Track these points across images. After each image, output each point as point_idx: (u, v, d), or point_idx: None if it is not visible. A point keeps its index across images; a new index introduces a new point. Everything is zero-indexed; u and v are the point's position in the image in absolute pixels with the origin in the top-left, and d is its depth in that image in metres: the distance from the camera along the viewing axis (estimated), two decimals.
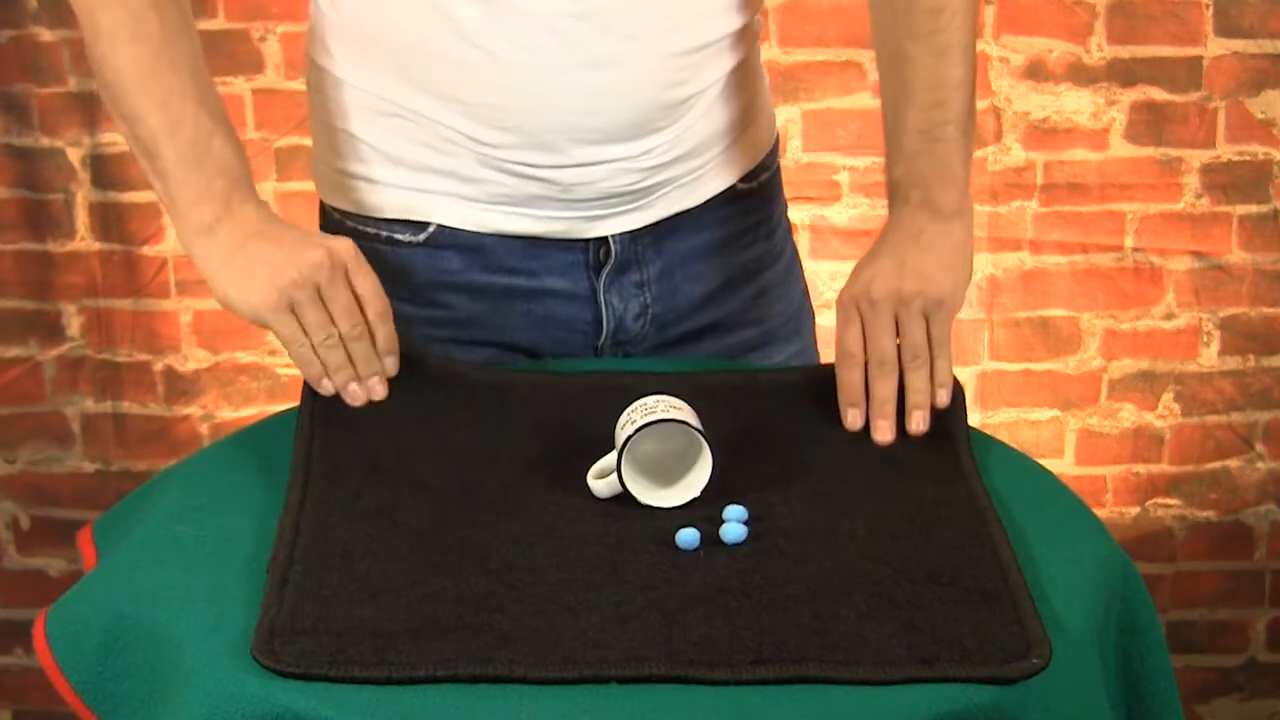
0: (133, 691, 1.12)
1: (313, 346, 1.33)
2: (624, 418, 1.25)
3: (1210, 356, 2.47)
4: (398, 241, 1.47)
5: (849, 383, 1.36)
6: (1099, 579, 1.18)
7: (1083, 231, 2.42)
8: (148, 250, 2.39)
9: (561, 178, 1.42)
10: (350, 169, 1.48)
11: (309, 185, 2.37)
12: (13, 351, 2.44)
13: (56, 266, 2.40)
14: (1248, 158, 2.39)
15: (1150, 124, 2.38)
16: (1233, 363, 2.47)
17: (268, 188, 2.37)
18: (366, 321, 1.34)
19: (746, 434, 1.34)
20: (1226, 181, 2.40)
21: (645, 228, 1.49)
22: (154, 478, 1.35)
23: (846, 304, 1.38)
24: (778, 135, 1.60)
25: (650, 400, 1.26)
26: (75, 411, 2.46)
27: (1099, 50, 2.35)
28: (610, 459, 1.24)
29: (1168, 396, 2.48)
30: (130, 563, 1.18)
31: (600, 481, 1.24)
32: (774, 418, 1.38)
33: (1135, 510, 2.53)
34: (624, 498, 1.23)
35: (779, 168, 1.60)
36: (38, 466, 2.49)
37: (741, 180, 1.53)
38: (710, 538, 1.18)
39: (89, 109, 2.33)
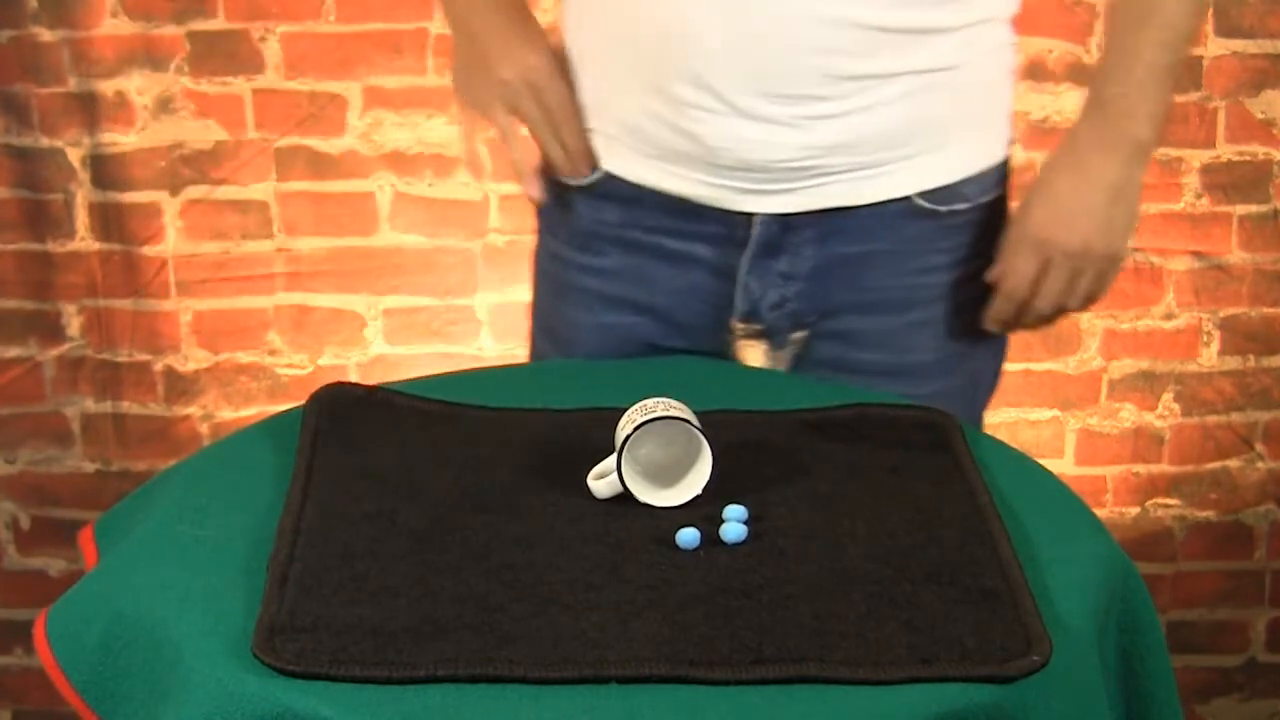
0: (133, 691, 1.12)
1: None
2: (624, 418, 1.25)
3: (1210, 356, 2.47)
4: (567, 185, 1.52)
5: (1004, 312, 1.44)
6: (1099, 579, 1.18)
7: None
8: (148, 250, 2.39)
9: (709, 137, 1.40)
10: None
11: (309, 185, 2.37)
12: (13, 351, 2.44)
13: (56, 266, 2.40)
14: (1248, 158, 2.39)
15: None
16: (1233, 363, 2.47)
17: (268, 188, 2.37)
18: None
19: (747, 434, 1.34)
20: (1226, 181, 2.40)
21: (807, 218, 1.44)
22: (154, 478, 1.35)
23: (1038, 241, 1.40)
24: (1005, 172, 1.50)
25: (650, 400, 1.26)
26: (75, 411, 2.46)
27: (1099, 50, 2.35)
28: (610, 461, 1.24)
29: (1168, 396, 2.48)
30: (130, 562, 1.18)
31: (600, 482, 1.24)
32: (775, 425, 1.38)
33: (1135, 510, 2.52)
34: (624, 498, 1.23)
35: (999, 206, 1.49)
36: (38, 466, 2.49)
37: (923, 197, 1.45)
38: (710, 538, 1.19)
39: (89, 109, 2.33)
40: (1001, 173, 1.50)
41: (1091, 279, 1.42)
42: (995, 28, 1.45)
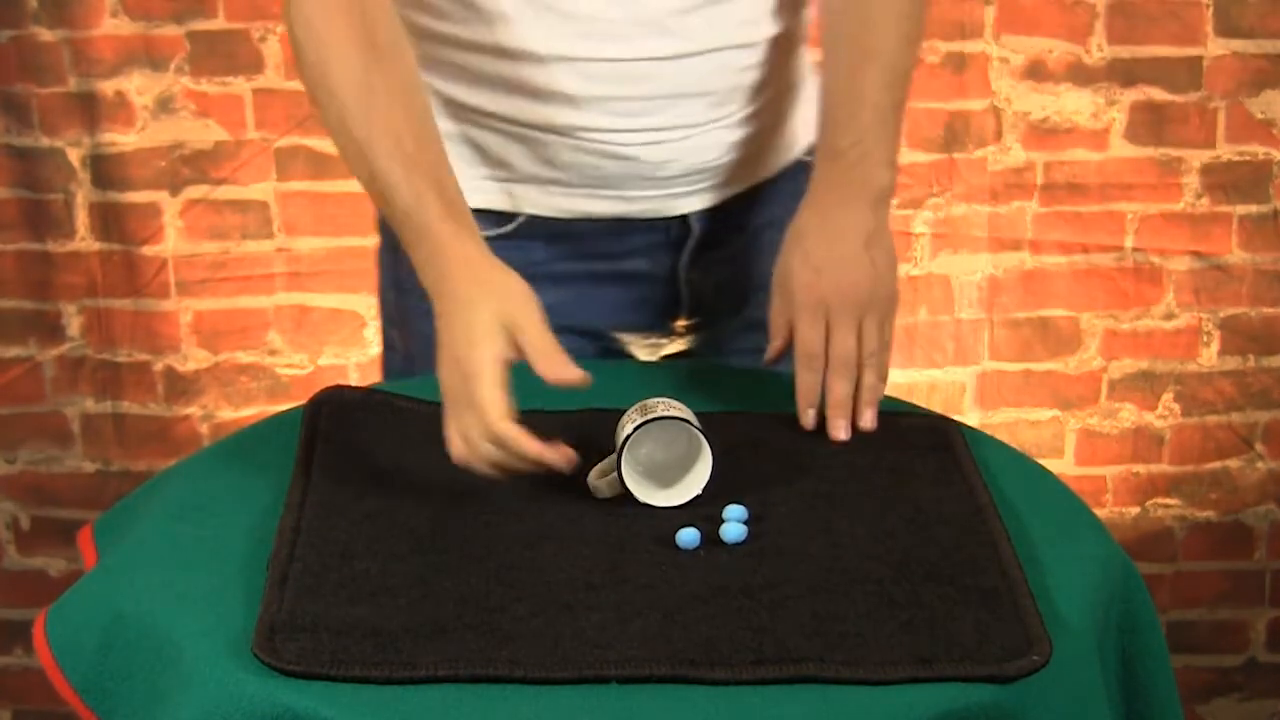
0: (132, 691, 1.12)
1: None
2: (624, 418, 1.25)
3: (1210, 356, 2.47)
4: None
5: (812, 386, 1.36)
6: (1099, 579, 1.18)
7: (1083, 231, 2.42)
8: (148, 250, 2.39)
9: (655, 154, 1.43)
10: None
11: (309, 185, 2.37)
12: (13, 351, 2.44)
13: (56, 266, 2.40)
14: (1248, 158, 2.39)
15: (1150, 124, 2.38)
16: (1233, 363, 2.47)
17: (268, 188, 2.37)
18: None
19: (746, 434, 1.34)
20: (1226, 181, 2.40)
21: (726, 203, 1.50)
22: (154, 478, 1.35)
23: (813, 305, 1.36)
24: None
25: (650, 400, 1.26)
26: (75, 411, 2.46)
27: (1099, 50, 2.35)
28: (610, 460, 1.24)
29: (1168, 396, 2.48)
30: (130, 563, 1.18)
31: (601, 481, 1.24)
32: (775, 425, 1.38)
33: (1135, 510, 2.52)
34: (624, 498, 1.23)
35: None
36: (38, 466, 2.49)
37: (807, 152, 1.54)
38: (710, 538, 1.19)
39: (89, 109, 2.33)
40: None
41: (875, 323, 1.37)
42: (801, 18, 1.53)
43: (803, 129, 1.55)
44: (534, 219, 1.47)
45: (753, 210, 1.53)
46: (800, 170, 1.55)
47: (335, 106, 1.31)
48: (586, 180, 1.45)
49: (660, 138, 1.43)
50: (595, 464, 1.26)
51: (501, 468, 1.23)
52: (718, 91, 1.44)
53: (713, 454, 1.23)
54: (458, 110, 1.45)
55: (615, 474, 1.22)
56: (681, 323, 1.55)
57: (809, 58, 1.54)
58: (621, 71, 1.40)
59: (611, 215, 1.47)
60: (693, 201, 1.49)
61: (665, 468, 1.26)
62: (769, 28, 1.46)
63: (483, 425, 1.21)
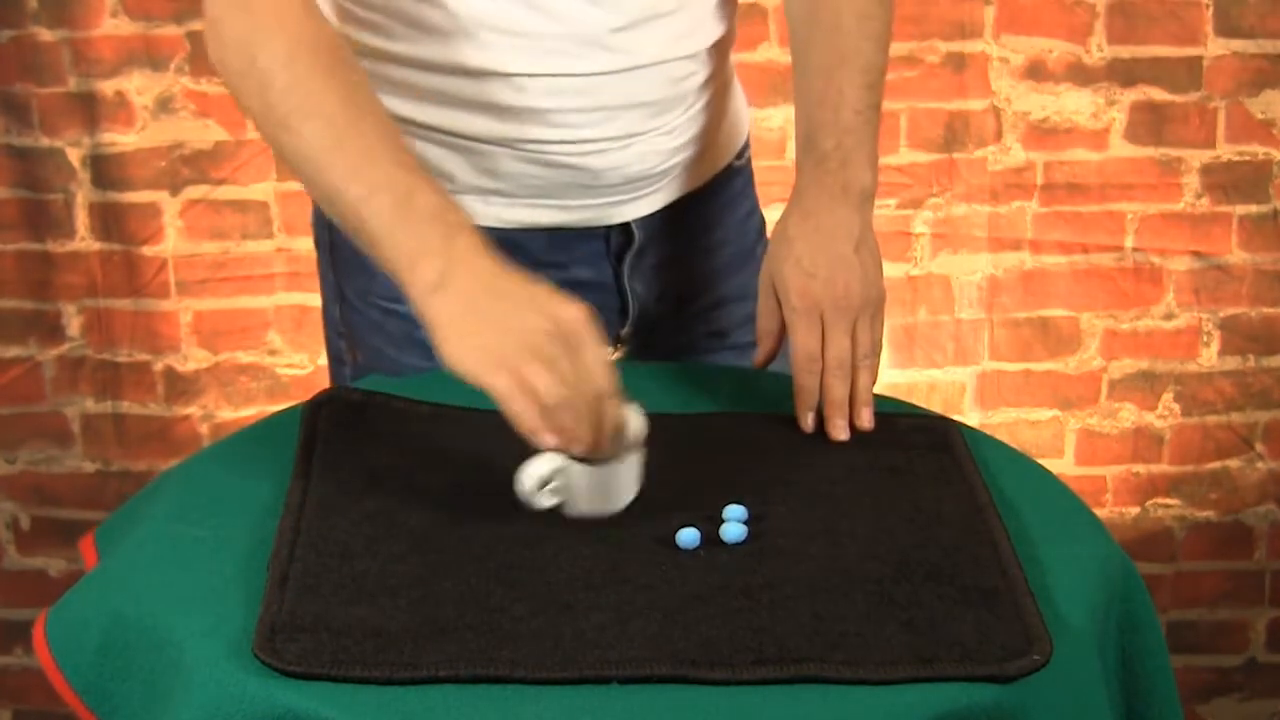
0: (132, 692, 1.12)
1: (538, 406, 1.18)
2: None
3: (1210, 356, 2.47)
4: None
5: (812, 390, 1.36)
6: (1099, 579, 1.18)
7: (1083, 231, 2.42)
8: (148, 250, 2.39)
9: (598, 163, 1.45)
10: None
11: None
12: (13, 351, 2.44)
13: (56, 266, 2.40)
14: (1248, 158, 2.39)
15: (1150, 124, 2.38)
16: (1233, 363, 2.47)
17: (268, 188, 2.37)
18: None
19: (746, 434, 1.34)
20: (1226, 181, 2.40)
21: (666, 210, 1.52)
22: (154, 480, 1.35)
23: (808, 309, 1.36)
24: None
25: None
26: (75, 411, 2.46)
27: (1099, 50, 2.35)
28: (543, 462, 1.19)
29: (1168, 396, 2.48)
30: (130, 563, 1.18)
31: (541, 493, 1.20)
32: (775, 425, 1.38)
33: (1135, 510, 2.52)
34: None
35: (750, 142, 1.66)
36: (38, 466, 2.49)
37: (736, 158, 1.59)
38: (710, 538, 1.19)
39: (89, 109, 2.33)
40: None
41: (867, 324, 1.38)
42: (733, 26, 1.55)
43: (733, 131, 1.58)
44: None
45: (691, 216, 1.55)
46: (733, 175, 1.59)
47: (318, 125, 1.26)
48: (528, 190, 1.45)
49: (602, 147, 1.44)
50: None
51: (577, 425, 1.17)
52: (659, 101, 1.46)
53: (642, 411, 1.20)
54: (398, 124, 1.43)
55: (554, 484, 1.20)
56: (626, 330, 1.56)
57: (732, 59, 1.56)
58: (563, 86, 1.40)
59: (553, 225, 1.48)
60: (634, 209, 1.51)
61: (600, 479, 1.21)
62: (706, 37, 1.47)
63: (594, 381, 1.17)
